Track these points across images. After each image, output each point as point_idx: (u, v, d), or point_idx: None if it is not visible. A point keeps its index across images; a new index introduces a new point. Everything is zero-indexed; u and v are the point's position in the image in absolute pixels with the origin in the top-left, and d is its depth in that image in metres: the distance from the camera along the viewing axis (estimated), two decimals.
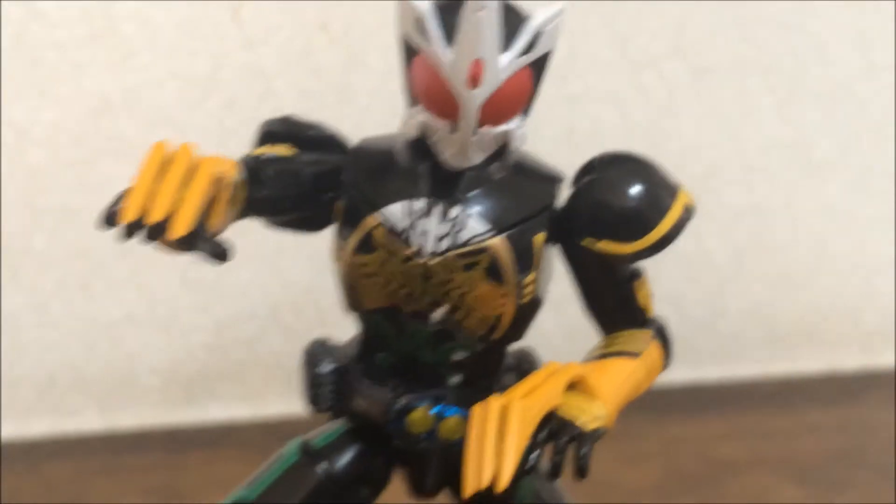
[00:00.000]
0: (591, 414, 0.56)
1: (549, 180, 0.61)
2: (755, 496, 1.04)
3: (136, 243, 0.96)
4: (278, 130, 0.63)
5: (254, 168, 0.58)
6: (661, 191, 0.60)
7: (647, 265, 0.96)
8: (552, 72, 1.09)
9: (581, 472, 0.55)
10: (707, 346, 1.26)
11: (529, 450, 0.54)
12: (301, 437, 0.65)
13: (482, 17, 0.54)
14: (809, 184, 1.24)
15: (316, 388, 0.63)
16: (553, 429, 0.55)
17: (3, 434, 1.04)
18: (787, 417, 1.21)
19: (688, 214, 0.60)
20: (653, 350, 0.62)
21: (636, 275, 0.63)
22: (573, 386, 0.58)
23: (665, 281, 1.21)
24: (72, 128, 1.01)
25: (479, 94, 0.55)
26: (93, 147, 1.01)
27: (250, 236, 1.04)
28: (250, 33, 1.04)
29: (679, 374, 1.23)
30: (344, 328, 0.67)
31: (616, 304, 0.62)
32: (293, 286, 1.10)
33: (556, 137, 1.13)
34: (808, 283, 1.28)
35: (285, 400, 1.12)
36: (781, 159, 1.22)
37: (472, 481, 0.52)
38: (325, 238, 1.07)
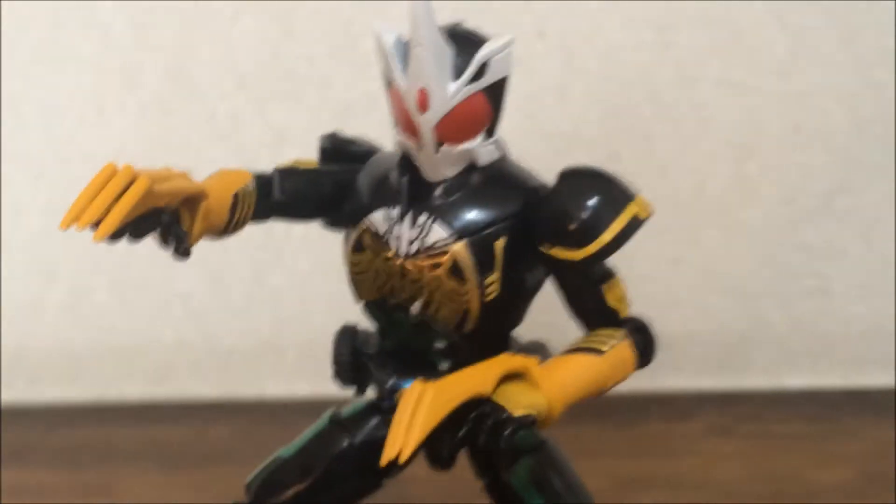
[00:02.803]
0: (525, 402, 0.63)
1: (522, 190, 0.68)
2: None
3: None
4: (326, 146, 0.75)
5: (266, 179, 0.70)
6: (606, 204, 0.65)
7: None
8: (771, 67, 1.11)
9: (505, 453, 0.62)
10: None
11: (456, 428, 0.62)
12: (334, 407, 0.76)
13: (419, 53, 0.62)
14: None
15: (337, 367, 0.73)
16: (483, 411, 0.62)
17: (274, 392, 1.22)
18: None
19: (635, 224, 0.65)
20: (622, 349, 0.67)
21: (606, 277, 0.68)
22: (520, 376, 0.64)
23: None
24: (322, 130, 1.17)
25: (430, 118, 0.64)
26: None
27: None
28: None
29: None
30: None
31: (588, 305, 0.68)
32: None
33: (782, 135, 1.14)
34: None
35: None
36: None
37: (385, 453, 0.60)
38: None
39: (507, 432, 0.62)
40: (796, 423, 1.14)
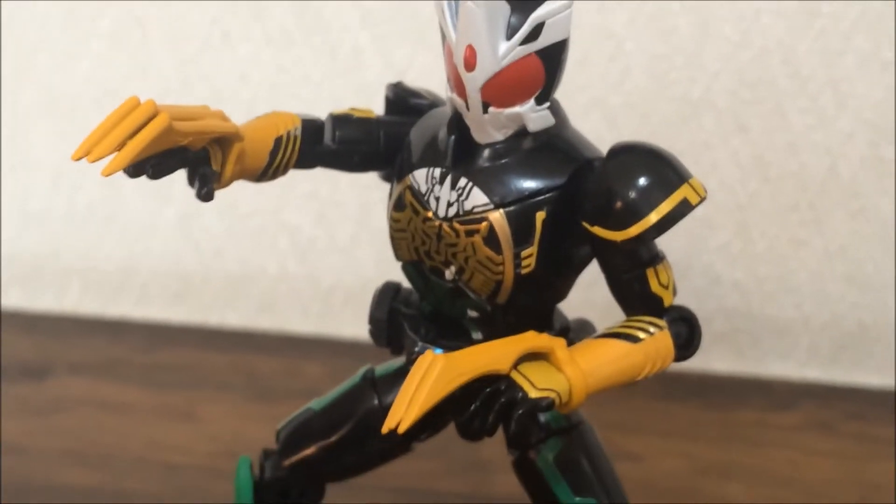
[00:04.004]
0: (544, 383, 0.60)
1: (573, 161, 0.64)
2: None
3: None
4: (389, 95, 0.72)
5: (318, 126, 0.68)
6: (655, 183, 0.61)
7: None
8: None
9: (513, 436, 0.59)
10: None
11: (465, 404, 0.60)
12: (371, 364, 0.74)
13: (470, 8, 0.59)
14: None
15: (373, 326, 0.71)
16: (496, 388, 0.60)
17: None
18: None
19: (684, 208, 0.61)
20: (660, 339, 0.63)
21: (652, 261, 0.64)
22: (545, 356, 0.61)
23: None
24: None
25: (476, 78, 0.61)
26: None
27: None
28: None
29: None
30: None
31: (629, 289, 0.64)
32: None
33: None
34: None
35: None
36: None
37: (386, 422, 0.58)
38: None
39: (519, 413, 0.59)
40: None
